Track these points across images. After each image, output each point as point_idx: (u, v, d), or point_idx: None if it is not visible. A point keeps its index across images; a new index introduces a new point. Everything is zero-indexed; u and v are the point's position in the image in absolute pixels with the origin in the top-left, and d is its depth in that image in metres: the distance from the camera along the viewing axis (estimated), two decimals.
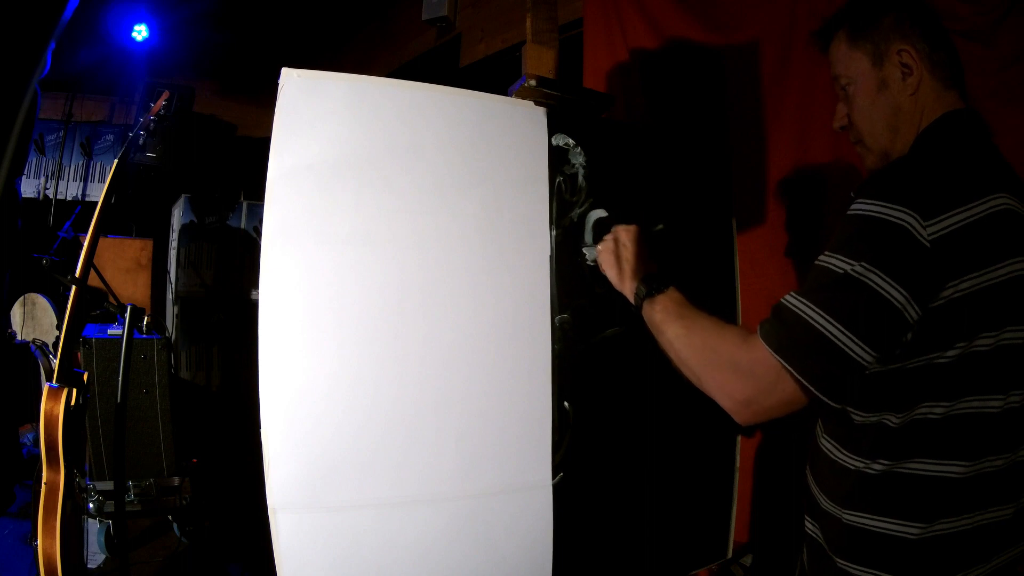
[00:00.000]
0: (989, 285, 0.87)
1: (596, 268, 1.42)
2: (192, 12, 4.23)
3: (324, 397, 1.16)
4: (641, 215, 1.46)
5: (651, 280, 1.18)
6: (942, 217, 0.85)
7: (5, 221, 2.53)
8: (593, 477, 1.42)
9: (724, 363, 0.97)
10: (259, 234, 1.14)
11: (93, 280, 2.07)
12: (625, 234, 1.29)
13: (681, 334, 1.07)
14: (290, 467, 1.12)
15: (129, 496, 2.72)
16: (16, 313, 3.79)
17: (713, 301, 1.63)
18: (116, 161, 2.17)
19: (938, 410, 0.91)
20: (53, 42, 2.14)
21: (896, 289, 0.84)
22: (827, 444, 1.05)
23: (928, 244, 0.84)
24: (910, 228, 0.85)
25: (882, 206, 0.87)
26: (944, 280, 0.86)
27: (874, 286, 0.85)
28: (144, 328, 2.80)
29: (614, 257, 1.28)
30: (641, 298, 1.18)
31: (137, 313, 2.05)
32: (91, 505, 2.59)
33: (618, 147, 1.54)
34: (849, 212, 0.91)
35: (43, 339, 3.52)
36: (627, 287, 1.23)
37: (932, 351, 0.89)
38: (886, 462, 0.94)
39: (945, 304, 0.86)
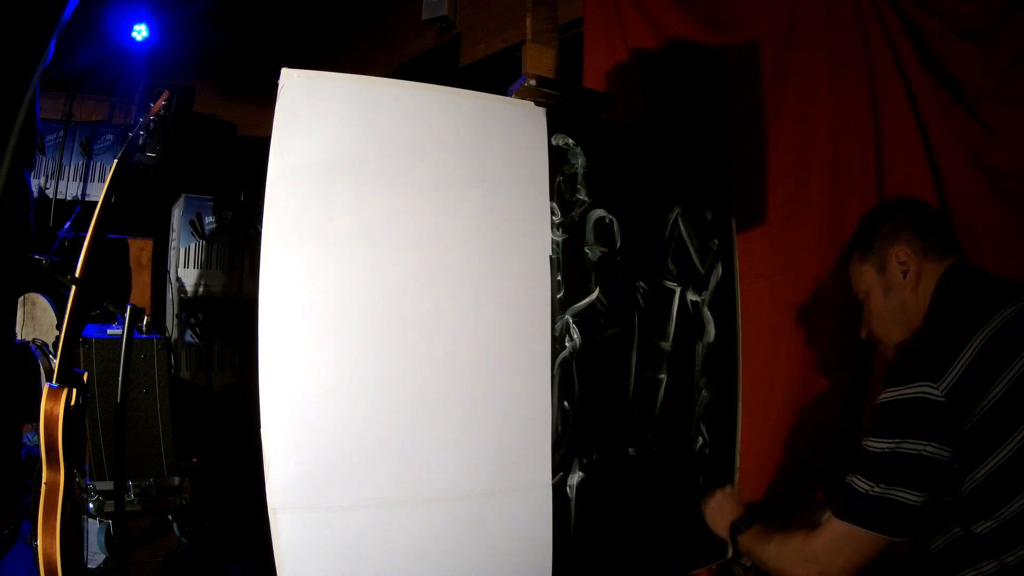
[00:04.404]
0: (1009, 386, 1.05)
1: (596, 265, 1.43)
2: (192, 12, 4.22)
3: (324, 397, 1.16)
4: (643, 216, 1.46)
5: (741, 521, 1.44)
6: (949, 370, 1.06)
7: (14, 214, 2.51)
8: (593, 477, 1.42)
9: (795, 556, 1.21)
10: (259, 234, 1.14)
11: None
12: (722, 494, 1.53)
13: (765, 548, 1.32)
14: (290, 467, 1.12)
15: (129, 496, 2.72)
16: (16, 313, 3.78)
17: (712, 301, 1.64)
18: (116, 161, 2.17)
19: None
20: (55, 35, 2.14)
21: (926, 444, 1.06)
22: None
23: (944, 398, 1.05)
24: (926, 396, 1.06)
25: (900, 389, 1.09)
26: (965, 413, 1.06)
27: (907, 452, 1.07)
28: (144, 328, 2.79)
29: (716, 510, 1.52)
30: (735, 534, 1.42)
31: (137, 313, 2.05)
32: (91, 505, 2.59)
33: (618, 147, 1.54)
34: (878, 402, 1.12)
35: (43, 339, 3.52)
36: (724, 530, 1.48)
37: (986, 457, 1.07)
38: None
39: (973, 425, 1.06)
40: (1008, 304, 1.10)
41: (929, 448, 1.06)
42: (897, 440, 1.08)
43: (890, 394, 1.11)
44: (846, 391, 1.92)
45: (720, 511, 1.49)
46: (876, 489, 1.09)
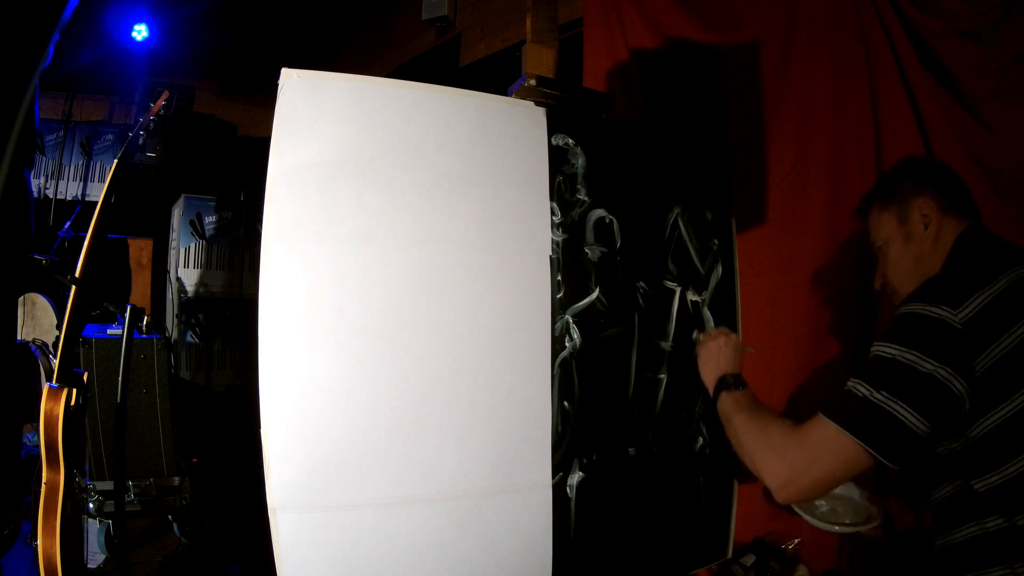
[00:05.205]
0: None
1: (597, 265, 1.42)
2: (192, 12, 4.22)
3: (325, 397, 1.16)
4: (643, 216, 1.46)
5: (733, 378, 1.37)
6: (969, 301, 1.04)
7: (14, 214, 2.51)
8: (593, 477, 1.42)
9: (771, 447, 1.15)
10: (259, 234, 1.14)
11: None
12: (725, 339, 1.44)
13: (743, 420, 1.25)
14: (290, 467, 1.12)
15: (129, 496, 2.72)
16: (16, 313, 3.78)
17: (712, 301, 1.64)
18: (116, 161, 2.17)
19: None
20: (57, 34, 2.14)
21: (940, 367, 1.02)
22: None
23: (961, 327, 1.02)
24: (946, 318, 1.03)
25: (921, 305, 1.06)
26: (980, 348, 1.02)
27: (920, 367, 1.02)
28: (144, 328, 2.80)
29: (712, 353, 1.44)
30: (721, 388, 1.35)
31: (137, 313, 2.05)
32: (91, 505, 2.59)
33: (618, 147, 1.54)
34: (896, 314, 1.09)
35: (43, 339, 3.52)
36: (712, 378, 1.40)
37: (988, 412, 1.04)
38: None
39: (988, 367, 1.02)
40: None
41: (942, 371, 1.01)
42: (911, 351, 1.03)
43: (910, 307, 1.07)
44: None
45: (716, 357, 1.40)
46: (876, 396, 1.03)
